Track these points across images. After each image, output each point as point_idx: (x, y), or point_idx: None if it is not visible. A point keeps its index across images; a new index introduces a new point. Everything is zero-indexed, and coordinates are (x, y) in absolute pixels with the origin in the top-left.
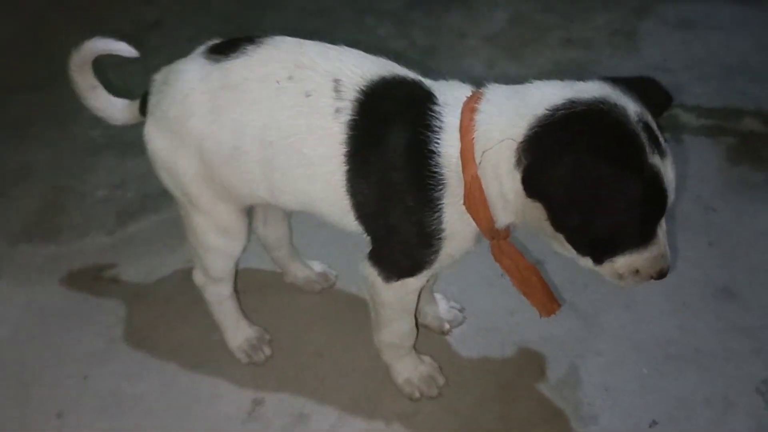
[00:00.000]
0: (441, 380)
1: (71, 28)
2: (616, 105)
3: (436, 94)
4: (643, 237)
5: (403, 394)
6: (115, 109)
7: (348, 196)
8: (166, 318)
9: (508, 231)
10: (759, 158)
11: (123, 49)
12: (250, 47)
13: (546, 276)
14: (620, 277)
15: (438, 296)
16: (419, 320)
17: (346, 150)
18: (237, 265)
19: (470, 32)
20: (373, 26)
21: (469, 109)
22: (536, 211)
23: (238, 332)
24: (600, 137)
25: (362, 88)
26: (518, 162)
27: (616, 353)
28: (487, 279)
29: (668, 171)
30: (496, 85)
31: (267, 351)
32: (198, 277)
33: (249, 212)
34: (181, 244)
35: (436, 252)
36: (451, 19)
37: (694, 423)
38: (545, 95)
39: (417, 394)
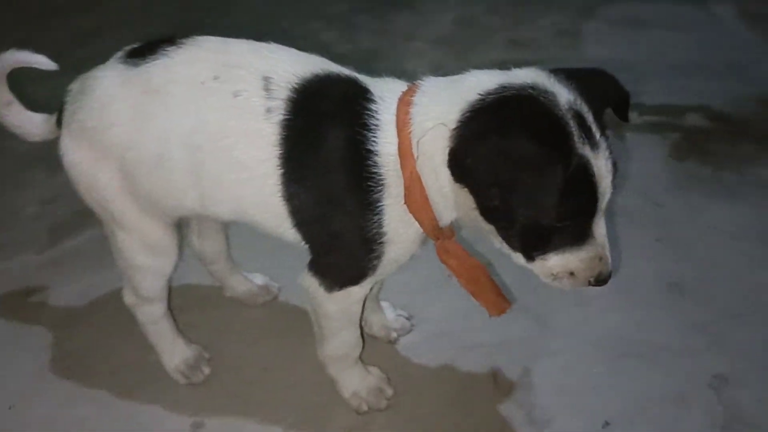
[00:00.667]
0: (389, 392)
1: (5, 38)
2: (546, 91)
3: (372, 90)
4: (575, 234)
5: (351, 408)
6: (31, 124)
7: (284, 202)
8: (101, 340)
9: (452, 230)
10: (704, 153)
11: (41, 61)
12: (170, 49)
13: (496, 277)
14: (554, 277)
15: (384, 304)
16: (365, 330)
17: (279, 152)
18: (171, 281)
19: (416, 35)
20: (318, 30)
21: (405, 103)
22: (467, 200)
23: (174, 353)
24: (526, 120)
25: (294, 86)
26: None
27: (570, 353)
28: (435, 283)
29: (600, 163)
30: (432, 77)
31: (206, 370)
32: (128, 297)
33: (179, 226)
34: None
35: (379, 257)
36: (398, 22)
37: (648, 421)
38: (480, 82)
39: (365, 407)
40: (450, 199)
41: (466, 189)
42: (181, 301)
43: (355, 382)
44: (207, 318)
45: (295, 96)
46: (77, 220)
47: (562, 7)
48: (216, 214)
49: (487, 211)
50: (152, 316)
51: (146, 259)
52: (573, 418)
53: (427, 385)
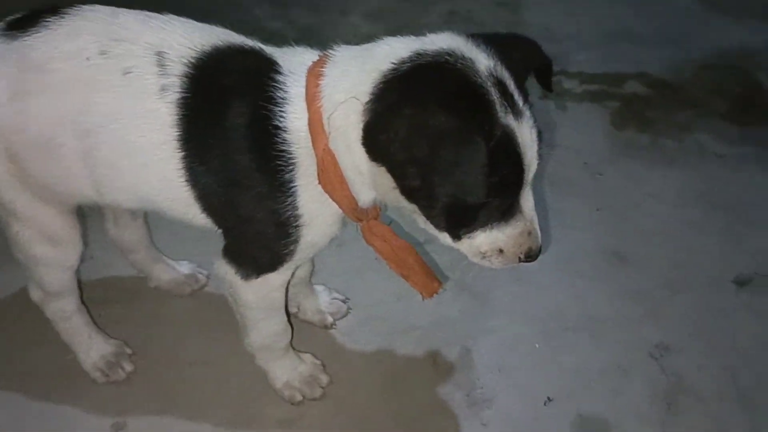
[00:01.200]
0: (324, 379)
1: None
2: (463, 57)
3: (280, 62)
4: (502, 209)
5: (284, 399)
6: None
7: (188, 187)
8: (14, 341)
9: (376, 210)
10: (643, 121)
11: None
12: (52, 20)
13: (429, 258)
14: (483, 256)
15: (319, 288)
16: (299, 316)
17: (178, 134)
18: (90, 273)
19: (352, 10)
20: (250, 6)
21: (314, 75)
22: (385, 179)
23: (91, 349)
24: (441, 89)
25: (191, 60)
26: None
27: (509, 330)
28: (369, 265)
29: (524, 133)
30: (344, 46)
31: (127, 367)
32: (34, 293)
33: (82, 213)
34: None
35: (296, 242)
36: None
37: (590, 395)
38: (393, 50)
39: (299, 397)
40: (367, 178)
41: (383, 167)
42: (102, 294)
43: (287, 371)
44: (130, 311)
45: (192, 71)
46: None
47: None
48: (117, 203)
49: (407, 191)
50: (63, 312)
51: (46, 251)
52: (515, 397)
53: (364, 370)
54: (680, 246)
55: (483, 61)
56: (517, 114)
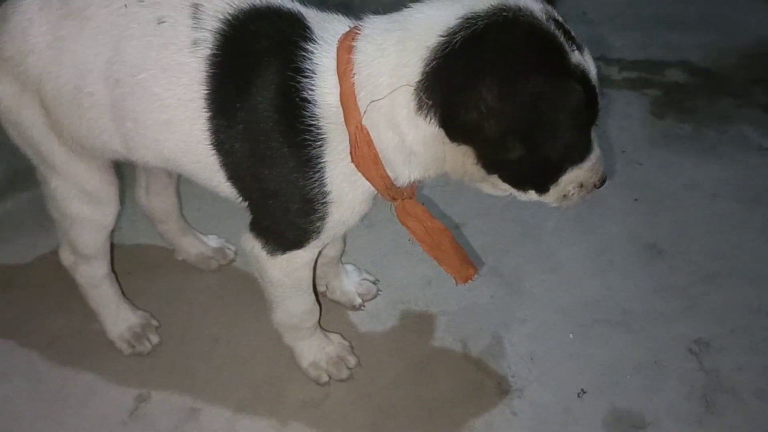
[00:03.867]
0: (352, 361)
1: None
2: (519, 8)
3: (315, 29)
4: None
5: (309, 379)
6: None
7: (214, 152)
8: (37, 308)
9: (413, 189)
10: (683, 110)
11: None
12: None
13: (464, 241)
14: (566, 197)
15: (350, 267)
16: (328, 296)
17: (206, 92)
18: (116, 242)
19: None
20: None
21: (345, 49)
22: (461, 157)
23: (118, 319)
24: (520, 50)
25: (227, 17)
26: (420, 106)
27: (542, 319)
28: (402, 247)
29: (591, 65)
30: (374, 16)
31: (154, 339)
32: (65, 256)
33: (121, 173)
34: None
35: (323, 219)
36: None
37: (624, 390)
38: (432, 20)
39: (325, 378)
40: (421, 158)
41: (466, 146)
42: (128, 265)
43: (314, 350)
44: (154, 283)
45: (226, 29)
46: (13, 180)
47: None
48: (144, 161)
49: (500, 166)
50: (93, 278)
51: (82, 208)
52: (547, 388)
53: (392, 354)
54: (719, 240)
55: (535, 5)
56: (579, 48)
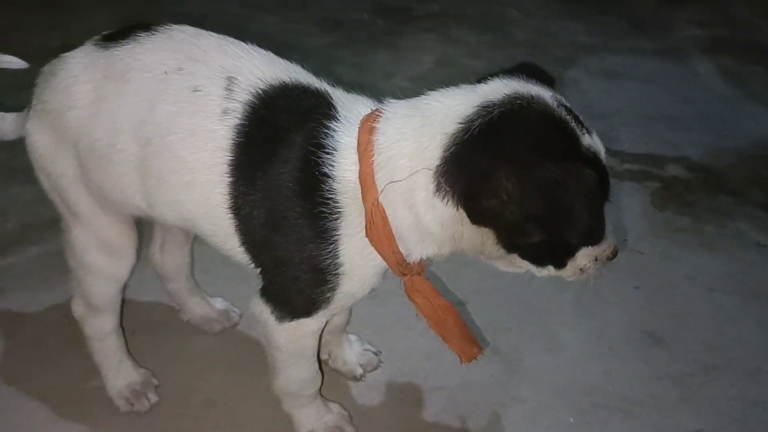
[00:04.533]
0: (350, 431)
1: None
2: (531, 97)
3: (339, 109)
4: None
5: None
6: (3, 122)
7: (231, 216)
8: (35, 361)
9: (422, 265)
10: (683, 203)
11: (12, 60)
12: (143, 34)
13: (468, 318)
14: (582, 271)
15: (353, 337)
16: (330, 364)
17: (230, 158)
18: (123, 296)
19: (397, 73)
20: (298, 62)
21: (367, 130)
22: (481, 237)
23: (119, 375)
24: (536, 138)
25: (258, 91)
26: (438, 189)
27: (540, 400)
28: (404, 320)
29: (599, 144)
30: (394, 100)
31: (153, 398)
32: (77, 307)
33: (140, 231)
34: (60, 280)
35: (333, 290)
36: (378, 60)
37: None
38: (450, 108)
39: None
40: (437, 237)
41: (486, 229)
42: (132, 323)
43: (313, 419)
44: (155, 343)
45: (255, 101)
46: (24, 235)
47: (545, 54)
48: (163, 219)
49: (519, 247)
50: (100, 331)
51: (99, 259)
52: None
53: (390, 426)
54: (717, 332)
55: (545, 93)
56: (588, 131)
